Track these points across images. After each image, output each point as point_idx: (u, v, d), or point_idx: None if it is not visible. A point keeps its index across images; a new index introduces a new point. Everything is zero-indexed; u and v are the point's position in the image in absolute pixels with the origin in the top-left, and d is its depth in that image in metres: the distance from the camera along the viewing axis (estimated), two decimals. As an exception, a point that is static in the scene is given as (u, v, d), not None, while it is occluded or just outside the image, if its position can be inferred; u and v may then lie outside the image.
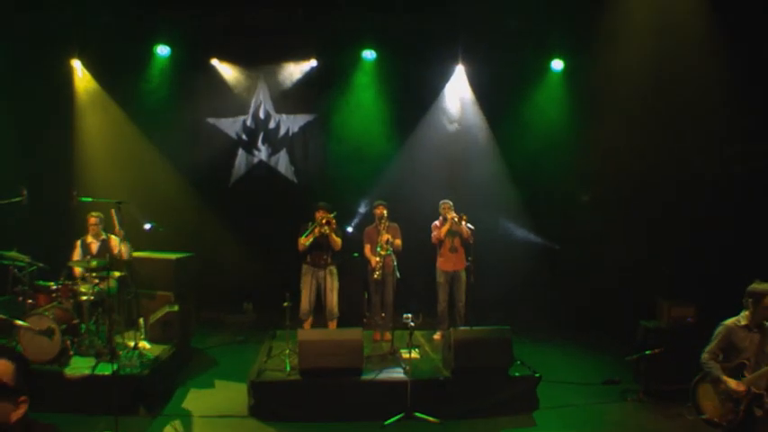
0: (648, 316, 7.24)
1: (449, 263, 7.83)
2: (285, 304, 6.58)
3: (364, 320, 8.80)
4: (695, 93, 7.77)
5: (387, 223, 7.64)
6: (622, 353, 7.15)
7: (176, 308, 7.37)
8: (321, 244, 7.27)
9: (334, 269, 7.47)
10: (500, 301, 9.24)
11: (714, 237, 8.04)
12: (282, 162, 10.63)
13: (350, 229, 9.47)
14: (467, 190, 9.53)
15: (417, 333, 8.04)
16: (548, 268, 10.00)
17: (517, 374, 6.47)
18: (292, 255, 7.77)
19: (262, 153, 10.60)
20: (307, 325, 7.51)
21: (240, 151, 10.54)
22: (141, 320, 7.43)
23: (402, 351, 6.92)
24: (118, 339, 6.71)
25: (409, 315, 6.25)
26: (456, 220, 7.58)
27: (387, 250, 7.22)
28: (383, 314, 7.73)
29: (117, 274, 7.07)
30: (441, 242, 7.86)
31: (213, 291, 9.75)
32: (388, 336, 7.65)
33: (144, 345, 6.95)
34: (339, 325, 7.64)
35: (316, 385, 6.14)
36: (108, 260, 6.97)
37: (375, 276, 7.31)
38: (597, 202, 9.95)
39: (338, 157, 10.28)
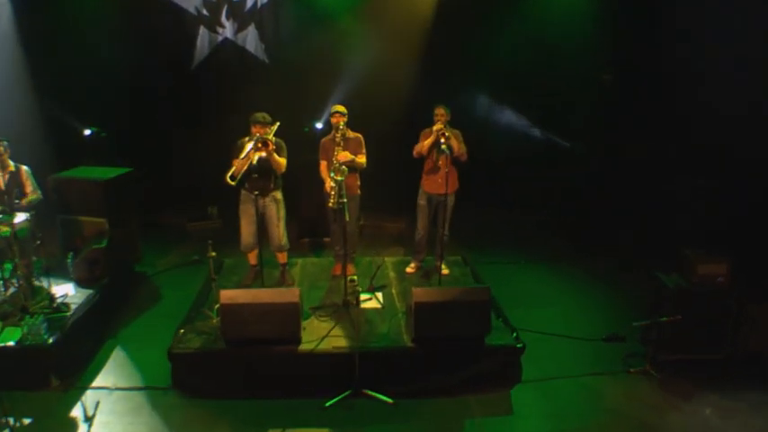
0: (668, 265, 5.67)
1: (432, 183, 6.30)
2: (211, 254, 5.33)
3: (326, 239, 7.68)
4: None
5: (346, 134, 6.06)
6: (634, 296, 6.10)
7: (103, 243, 6.29)
8: (261, 165, 5.78)
9: (278, 195, 6.08)
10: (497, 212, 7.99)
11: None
12: (251, 39, 8.93)
13: (320, 126, 7.93)
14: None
15: (389, 261, 6.80)
16: (558, 172, 8.36)
17: (495, 344, 5.17)
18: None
19: (227, 30, 8.88)
20: (252, 258, 6.31)
21: (202, 29, 8.80)
22: (69, 258, 6.40)
23: (362, 296, 5.73)
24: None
25: (355, 278, 4.92)
26: (441, 134, 5.90)
27: (342, 174, 5.69)
28: (337, 248, 6.44)
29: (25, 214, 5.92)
30: (424, 158, 6.27)
31: (177, 193, 8.64)
32: (350, 270, 6.42)
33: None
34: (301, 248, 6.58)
35: (243, 357, 5.07)
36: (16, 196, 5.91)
37: (329, 204, 5.86)
38: (624, 84, 7.91)
39: (316, 32, 8.58)
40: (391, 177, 7.55)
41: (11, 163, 6.09)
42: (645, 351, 5.52)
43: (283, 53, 8.85)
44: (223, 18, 8.79)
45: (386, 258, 7.00)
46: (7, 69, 7.60)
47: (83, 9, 7.95)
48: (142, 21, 8.42)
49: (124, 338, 5.94)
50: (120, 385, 5.21)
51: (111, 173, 6.79)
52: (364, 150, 6.17)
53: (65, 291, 6.05)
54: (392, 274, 6.54)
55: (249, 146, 5.57)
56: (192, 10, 8.65)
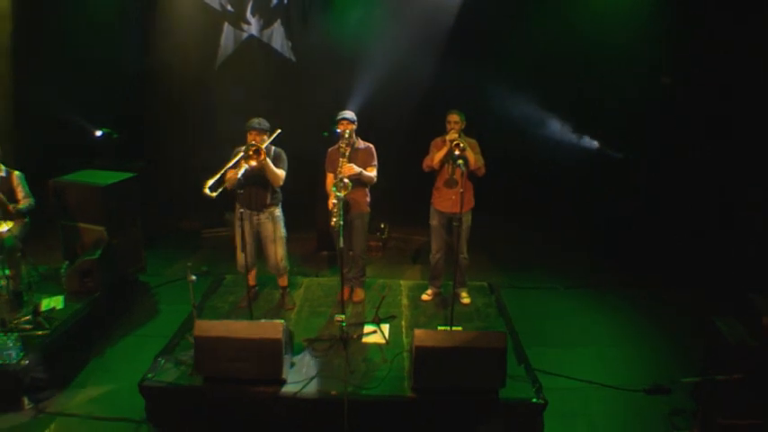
0: (730, 308, 4.71)
1: (444, 201, 5.58)
2: (190, 278, 4.76)
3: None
4: None
5: (356, 143, 5.44)
6: (686, 340, 5.31)
7: (96, 254, 5.86)
8: (256, 177, 5.18)
9: (276, 211, 5.46)
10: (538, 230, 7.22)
11: None
12: (277, 37, 8.38)
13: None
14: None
15: (404, 284, 6.09)
16: (603, 186, 7.56)
17: (511, 398, 4.37)
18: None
19: (252, 27, 8.32)
20: (251, 279, 5.74)
21: (226, 26, 8.29)
22: (63, 268, 6.04)
23: (367, 327, 5.07)
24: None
25: (342, 316, 4.23)
26: (455, 145, 5.14)
27: (345, 189, 5.03)
28: (345, 270, 5.78)
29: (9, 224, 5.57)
30: (435, 171, 5.53)
31: (196, 197, 8.19)
32: (359, 295, 5.75)
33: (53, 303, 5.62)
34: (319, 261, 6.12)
35: (222, 396, 4.48)
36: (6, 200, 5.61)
37: (332, 224, 5.19)
38: (685, 88, 6.86)
39: (346, 29, 7.90)
40: (420, 184, 6.84)
41: (1, 167, 5.74)
42: (694, 409, 4.60)
43: (310, 51, 8.23)
44: (248, 14, 8.28)
45: (402, 282, 6.28)
46: (14, 66, 7.32)
47: (100, 3, 7.56)
48: (164, 17, 7.98)
49: (110, 359, 5.51)
50: (95, 413, 4.74)
51: (112, 178, 6.37)
52: (375, 162, 5.49)
53: (53, 304, 5.66)
54: (405, 302, 5.83)
55: (241, 154, 4.97)
56: (216, 6, 8.16)
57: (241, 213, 5.39)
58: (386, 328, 5.31)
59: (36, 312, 5.37)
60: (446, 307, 5.71)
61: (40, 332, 5.16)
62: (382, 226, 7.84)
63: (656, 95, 7.11)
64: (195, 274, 4.73)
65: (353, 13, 7.80)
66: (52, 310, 5.59)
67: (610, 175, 7.63)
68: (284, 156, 5.36)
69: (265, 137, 5.19)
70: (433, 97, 7.63)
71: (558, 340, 5.71)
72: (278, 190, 5.40)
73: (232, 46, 8.40)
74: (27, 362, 4.77)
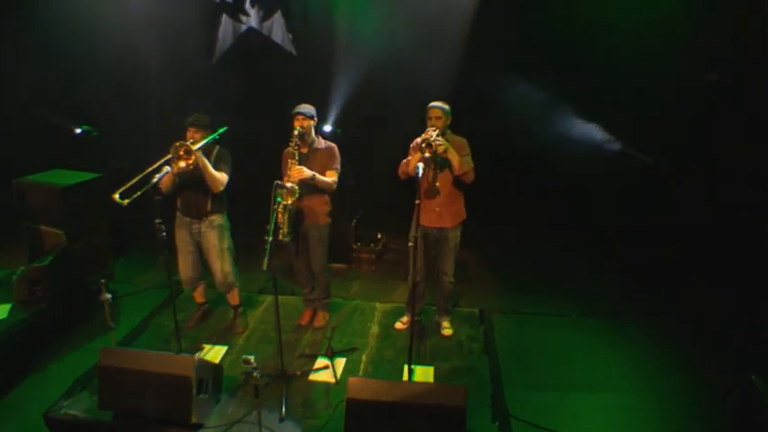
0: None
1: (427, 213, 4.70)
2: (104, 297, 4.15)
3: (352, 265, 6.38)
4: None
5: (313, 141, 4.74)
6: (716, 390, 4.28)
7: (46, 260, 5.38)
8: (193, 181, 4.55)
9: (218, 219, 4.79)
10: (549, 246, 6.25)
11: None
12: (278, 28, 7.72)
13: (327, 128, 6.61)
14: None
15: (380, 308, 5.29)
16: (629, 196, 6.48)
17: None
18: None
19: (251, 18, 7.70)
20: (198, 295, 5.10)
21: (224, 18, 7.72)
22: (16, 274, 5.60)
23: (319, 361, 4.33)
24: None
25: (250, 357, 3.49)
26: (433, 144, 4.27)
27: (291, 196, 4.29)
28: (306, 290, 5.05)
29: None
30: (413, 178, 4.69)
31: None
32: (320, 319, 5.00)
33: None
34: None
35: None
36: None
37: (279, 236, 4.45)
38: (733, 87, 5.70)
39: (350, 19, 7.15)
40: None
41: None
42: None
43: (312, 44, 7.54)
44: (247, 5, 7.67)
45: (377, 305, 5.47)
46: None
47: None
48: (158, 8, 7.48)
49: (50, 375, 4.94)
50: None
51: (77, 178, 5.90)
52: (337, 166, 4.72)
53: (-5, 314, 5.22)
54: (374, 330, 5.03)
55: (171, 155, 4.32)
56: (213, -4, 7.60)
57: (180, 221, 4.75)
58: (341, 363, 4.54)
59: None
60: (422, 339, 4.88)
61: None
62: (379, 236, 7.06)
63: (697, 94, 5.93)
64: (110, 292, 4.11)
65: (358, 3, 7.03)
66: (-11, 319, 5.14)
67: (637, 183, 6.51)
68: (229, 157, 4.71)
69: (203, 133, 4.52)
70: (443, 94, 6.75)
71: (559, 382, 4.70)
72: (222, 195, 4.73)
73: (231, 39, 7.81)
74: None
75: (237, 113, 7.23)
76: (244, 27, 7.74)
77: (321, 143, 4.72)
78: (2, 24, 6.90)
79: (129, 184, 4.11)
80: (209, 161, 4.60)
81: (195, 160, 4.30)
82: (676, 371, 4.84)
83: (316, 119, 4.66)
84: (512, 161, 6.82)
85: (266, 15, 7.66)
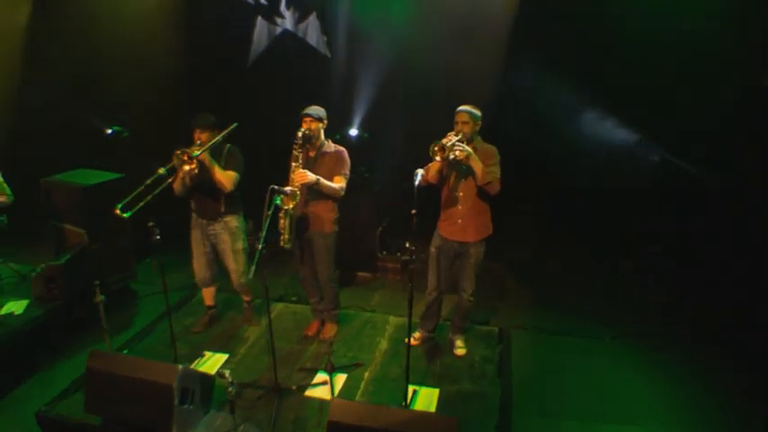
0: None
1: (448, 224, 4.43)
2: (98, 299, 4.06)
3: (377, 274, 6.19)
4: None
5: (322, 145, 4.51)
6: None
7: (62, 259, 5.39)
8: (203, 182, 4.47)
9: (233, 221, 4.68)
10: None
11: None
12: (312, 31, 7.59)
13: (354, 132, 6.40)
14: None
15: (393, 322, 5.03)
16: (673, 207, 5.93)
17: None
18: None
19: (287, 21, 7.61)
20: (208, 298, 4.98)
21: (259, 20, 7.67)
22: (37, 271, 5.66)
23: (318, 376, 4.10)
24: None
25: (226, 372, 3.29)
26: (446, 148, 3.97)
27: (292, 199, 4.10)
28: (313, 300, 4.82)
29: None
30: (434, 186, 4.41)
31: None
32: (328, 331, 4.77)
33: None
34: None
35: (117, 441, 3.73)
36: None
37: (281, 243, 4.28)
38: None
39: (385, 22, 6.87)
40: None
41: None
42: None
43: (346, 46, 7.37)
44: (282, 7, 7.59)
45: (391, 319, 5.19)
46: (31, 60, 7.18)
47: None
48: (193, 10, 7.52)
49: (58, 374, 4.92)
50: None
51: (98, 178, 5.92)
52: (346, 171, 4.48)
53: (13, 309, 5.28)
54: (384, 345, 4.74)
55: (174, 163, 4.22)
56: (249, -1, 7.57)
57: (195, 222, 4.68)
58: (341, 379, 4.28)
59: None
60: (433, 358, 4.56)
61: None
62: (407, 245, 6.73)
63: (752, 99, 5.35)
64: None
65: (394, 4, 6.80)
66: (10, 315, 5.19)
67: (682, 194, 5.95)
68: (239, 156, 4.58)
69: (209, 133, 4.40)
70: (477, 97, 6.42)
71: (579, 410, 4.26)
72: (236, 196, 4.60)
73: (266, 41, 7.74)
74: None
75: (272, 116, 7.21)
76: (279, 29, 7.64)
77: (330, 147, 4.49)
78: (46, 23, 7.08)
79: (130, 197, 4.02)
80: (220, 160, 4.47)
81: (198, 164, 4.17)
82: (714, 406, 4.31)
83: (325, 121, 4.45)
84: (543, 167, 6.41)
85: (301, 17, 7.56)
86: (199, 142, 4.35)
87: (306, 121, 4.36)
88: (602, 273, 6.27)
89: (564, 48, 6.01)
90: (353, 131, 6.48)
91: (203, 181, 4.46)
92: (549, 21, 6.17)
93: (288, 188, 4.10)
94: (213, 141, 4.37)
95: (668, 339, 5.17)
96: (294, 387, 4.13)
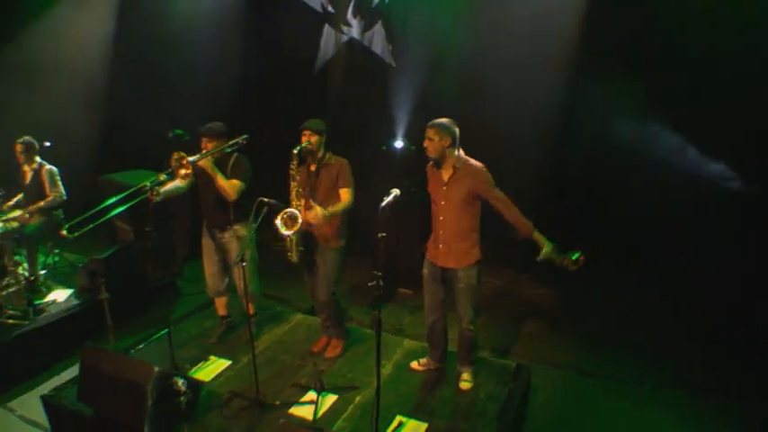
0: None
1: (432, 248, 4.20)
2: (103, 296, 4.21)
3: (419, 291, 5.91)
4: None
5: (322, 157, 4.37)
6: None
7: (105, 254, 5.70)
8: (213, 191, 4.50)
9: (242, 230, 4.63)
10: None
11: None
12: (378, 40, 7.54)
13: (399, 144, 6.22)
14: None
15: (406, 345, 4.83)
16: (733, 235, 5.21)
17: None
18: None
19: (353, 29, 7.62)
20: (221, 308, 5.00)
21: (326, 28, 7.74)
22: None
23: (308, 395, 4.00)
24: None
25: (179, 380, 3.23)
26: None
27: (293, 224, 4.03)
28: (323, 315, 4.67)
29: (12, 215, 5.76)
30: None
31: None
32: (333, 349, 4.64)
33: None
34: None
35: (101, 430, 3.84)
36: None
37: (288, 256, 4.23)
38: None
39: (450, 32, 6.67)
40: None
41: (37, 161, 5.93)
42: None
43: (410, 55, 7.22)
44: (349, 15, 7.58)
45: (405, 341, 4.94)
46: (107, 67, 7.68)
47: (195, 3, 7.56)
48: (263, 17, 7.72)
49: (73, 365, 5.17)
50: (24, 414, 4.52)
51: (148, 178, 6.18)
52: (349, 183, 4.33)
53: (56, 297, 5.64)
54: (387, 369, 4.48)
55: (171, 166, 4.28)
56: (317, 7, 7.64)
57: (206, 230, 4.77)
58: (330, 400, 4.11)
59: (29, 302, 5.34)
60: (433, 389, 4.28)
61: (18, 321, 5.14)
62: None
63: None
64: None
65: (459, 17, 6.56)
66: (53, 302, 5.53)
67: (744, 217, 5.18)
68: (245, 165, 4.56)
69: (216, 142, 4.45)
70: (544, 110, 6.09)
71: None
72: (245, 205, 4.59)
73: (332, 49, 7.78)
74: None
75: (336, 124, 7.20)
76: (345, 37, 7.65)
77: (331, 159, 4.37)
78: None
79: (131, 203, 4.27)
80: (226, 169, 4.48)
81: (192, 170, 4.22)
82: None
83: (325, 135, 4.32)
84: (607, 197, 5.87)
85: (367, 26, 7.51)
86: (176, 154, 4.37)
87: (305, 135, 4.27)
88: (651, 309, 5.62)
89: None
90: (399, 143, 6.28)
91: (211, 189, 4.48)
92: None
93: (291, 210, 4.02)
94: (213, 150, 4.41)
95: (718, 392, 4.50)
96: (277, 403, 4.01)
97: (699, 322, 5.28)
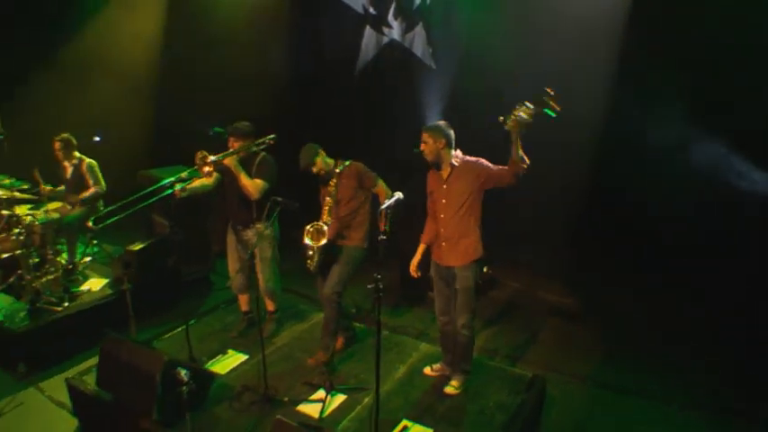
0: None
1: (435, 247, 4.17)
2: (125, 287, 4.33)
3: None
4: None
5: (332, 172, 4.45)
6: None
7: (138, 247, 5.88)
8: (233, 191, 4.61)
9: (264, 229, 4.65)
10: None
11: None
12: (419, 41, 7.54)
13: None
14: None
15: (423, 349, 4.82)
16: None
17: None
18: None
19: (394, 31, 7.64)
20: (243, 303, 5.11)
21: (367, 29, 7.78)
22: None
23: (318, 393, 4.05)
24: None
25: (182, 371, 3.29)
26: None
27: (319, 237, 4.13)
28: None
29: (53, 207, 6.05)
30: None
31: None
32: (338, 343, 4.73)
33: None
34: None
35: (117, 414, 3.97)
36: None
37: (307, 264, 4.34)
38: None
39: (492, 34, 6.54)
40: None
41: (76, 156, 6.19)
42: None
43: (451, 58, 7.16)
44: (390, 17, 7.59)
45: (422, 346, 4.89)
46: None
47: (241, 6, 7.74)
48: (303, 19, 7.84)
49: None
50: (53, 395, 4.73)
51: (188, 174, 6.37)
52: (374, 176, 4.42)
53: (90, 286, 5.87)
54: (400, 372, 4.44)
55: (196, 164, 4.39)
56: (358, 8, 7.69)
57: (231, 227, 4.90)
58: (339, 400, 4.09)
59: (65, 290, 5.56)
60: (443, 394, 4.20)
61: (50, 306, 5.36)
62: (484, 269, 6.29)
63: None
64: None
65: (500, 19, 6.44)
66: (87, 291, 5.75)
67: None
68: (270, 165, 4.65)
69: (243, 142, 4.55)
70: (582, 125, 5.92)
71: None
72: (269, 203, 4.62)
73: (373, 50, 7.80)
74: (25, 330, 5.03)
75: (376, 125, 7.25)
76: (386, 39, 7.66)
77: (340, 166, 4.44)
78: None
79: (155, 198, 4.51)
80: (251, 168, 4.54)
81: (216, 168, 4.35)
82: None
83: (320, 150, 4.41)
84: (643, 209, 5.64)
85: (408, 28, 7.49)
86: (201, 152, 4.46)
87: (312, 170, 4.36)
88: (686, 325, 5.38)
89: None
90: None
91: (236, 188, 4.55)
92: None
93: (320, 224, 4.26)
94: (238, 150, 4.48)
95: (750, 418, 4.22)
96: (286, 399, 4.03)
97: (737, 339, 4.97)
